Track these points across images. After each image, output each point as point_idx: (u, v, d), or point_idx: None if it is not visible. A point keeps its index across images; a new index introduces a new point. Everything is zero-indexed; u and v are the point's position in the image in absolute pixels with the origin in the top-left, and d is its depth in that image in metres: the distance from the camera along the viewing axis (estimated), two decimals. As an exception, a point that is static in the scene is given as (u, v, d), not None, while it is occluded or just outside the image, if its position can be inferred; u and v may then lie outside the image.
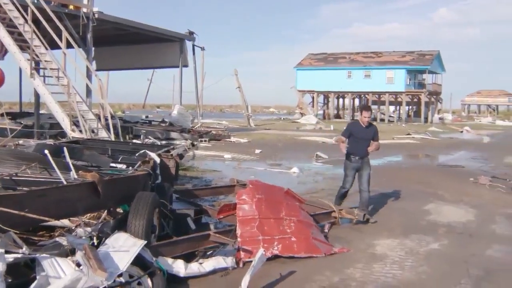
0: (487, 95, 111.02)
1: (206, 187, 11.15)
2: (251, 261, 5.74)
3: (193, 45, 33.52)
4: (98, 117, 19.15)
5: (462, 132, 45.26)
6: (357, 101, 75.66)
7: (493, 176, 15.16)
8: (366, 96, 70.00)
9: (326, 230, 8.44)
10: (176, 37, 31.44)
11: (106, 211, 6.85)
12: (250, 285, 5.37)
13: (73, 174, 6.13)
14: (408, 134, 37.72)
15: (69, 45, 19.31)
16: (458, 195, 12.50)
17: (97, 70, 30.62)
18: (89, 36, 23.09)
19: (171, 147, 10.22)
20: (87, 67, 21.50)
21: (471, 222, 9.70)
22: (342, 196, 9.80)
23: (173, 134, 26.41)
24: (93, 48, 25.15)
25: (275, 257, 6.87)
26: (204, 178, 14.03)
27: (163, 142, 22.05)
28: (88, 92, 22.24)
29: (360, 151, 9.44)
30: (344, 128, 10.04)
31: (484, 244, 8.06)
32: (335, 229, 8.70)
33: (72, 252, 5.08)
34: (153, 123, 32.11)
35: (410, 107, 72.38)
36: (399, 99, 68.57)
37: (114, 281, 4.81)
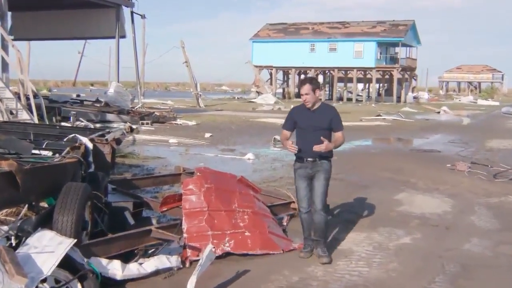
0: (468, 71, 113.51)
1: (148, 176, 11.03)
2: (199, 260, 5.73)
3: (132, 12, 33.15)
4: (17, 95, 18.72)
5: (439, 112, 46.31)
6: (321, 77, 76.44)
7: (473, 162, 15.56)
8: (331, 72, 70.77)
9: (284, 223, 8.50)
10: (111, 1, 30.88)
11: (27, 205, 6.70)
12: (197, 287, 5.37)
13: (-15, 162, 5.97)
14: (378, 115, 38.34)
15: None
16: (433, 183, 12.78)
17: (15, 39, 29.83)
18: (3, -3, 22.34)
19: (107, 130, 10.11)
20: (1, 35, 20.89)
21: (447, 213, 9.93)
22: (306, 223, 7.24)
23: (110, 116, 26.16)
24: (9, 13, 24.42)
25: (226, 254, 6.89)
26: (145, 166, 13.92)
27: (98, 125, 21.83)
28: (4, 66, 21.60)
29: (308, 149, 6.89)
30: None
31: (461, 238, 8.26)
32: (295, 221, 8.74)
33: (-16, 255, 4.96)
34: (85, 103, 31.65)
35: (381, 84, 73.52)
36: (369, 76, 69.54)
37: (37, 287, 4.72)
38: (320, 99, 7.29)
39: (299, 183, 7.12)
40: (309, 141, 6.86)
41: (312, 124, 6.98)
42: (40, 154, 7.60)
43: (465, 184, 12.71)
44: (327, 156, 7.05)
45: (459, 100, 79.36)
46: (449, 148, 20.43)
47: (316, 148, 6.76)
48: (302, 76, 76.11)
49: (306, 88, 6.95)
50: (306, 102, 6.99)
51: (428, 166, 15.31)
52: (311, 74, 71.94)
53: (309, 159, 6.99)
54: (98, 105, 30.02)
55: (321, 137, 6.79)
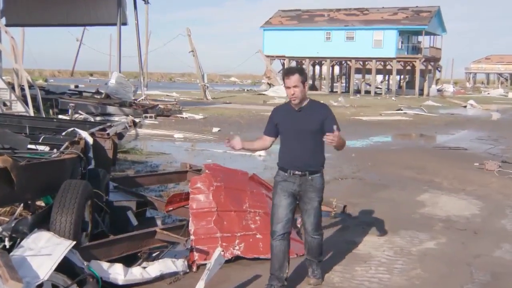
0: (498, 61, 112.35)
1: (152, 174, 11.11)
2: (206, 264, 5.72)
3: (134, -3, 33.06)
4: (11, 86, 18.75)
5: (465, 107, 46.24)
6: (337, 69, 76.29)
7: (504, 160, 15.48)
8: (348, 62, 70.57)
9: (298, 225, 8.46)
10: (112, -15, 30.90)
11: (22, 204, 6.71)
12: (205, 294, 5.36)
13: (-22, 158, 5.97)
14: (399, 109, 38.20)
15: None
16: (460, 183, 12.72)
17: (8, 25, 29.78)
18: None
19: (108, 124, 10.11)
20: (-6, 21, 20.95)
21: (476, 216, 9.86)
22: (276, 254, 6.10)
23: (111, 109, 26.21)
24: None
25: (236, 258, 6.89)
26: (149, 162, 13.97)
27: (98, 118, 21.88)
28: (-4, 54, 21.70)
29: (295, 159, 6.01)
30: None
31: (491, 243, 8.20)
32: (310, 224, 8.75)
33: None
34: (84, 94, 31.76)
35: (402, 76, 73.28)
36: (389, 67, 69.32)
37: (33, 292, 4.72)
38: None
39: (279, 199, 6.04)
40: (293, 148, 6.00)
41: (297, 127, 5.98)
42: (37, 149, 7.60)
43: (495, 185, 12.64)
44: (317, 168, 6.08)
45: (488, 93, 78.93)
46: (476, 145, 20.33)
47: (329, 140, 5.60)
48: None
49: (295, 79, 5.87)
50: (293, 97, 5.90)
51: (454, 165, 15.24)
52: (326, 65, 71.86)
53: (296, 172, 5.99)
54: (98, 96, 30.11)
55: (326, 134, 5.69)
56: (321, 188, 6.12)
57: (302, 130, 5.96)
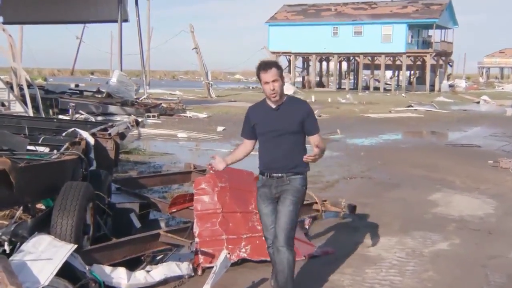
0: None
1: (155, 175, 11.12)
2: (212, 267, 5.72)
3: (136, -7, 33.09)
4: (9, 85, 18.77)
5: (478, 102, 46.10)
6: (344, 65, 76.13)
7: (519, 158, 15.42)
8: (356, 58, 70.51)
9: (306, 227, 8.47)
10: (112, -19, 30.92)
11: (21, 207, 6.72)
12: (211, 298, 5.36)
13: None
14: (410, 106, 38.13)
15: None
16: (473, 182, 12.68)
17: (6, 23, 29.81)
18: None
19: (109, 124, 10.12)
20: (-10, 19, 21.00)
21: (490, 215, 9.82)
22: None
23: (112, 108, 26.22)
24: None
25: (242, 261, 6.87)
26: (152, 163, 14.00)
27: (99, 118, 21.91)
28: (-6, 52, 21.71)
29: (273, 161, 5.68)
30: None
31: (507, 244, 8.17)
32: (318, 225, 8.76)
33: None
34: (85, 93, 31.78)
35: (412, 72, 73.08)
36: (398, 62, 69.17)
37: (33, 298, 4.72)
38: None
39: (261, 207, 5.76)
40: (272, 150, 5.66)
41: (276, 127, 5.61)
42: (36, 151, 7.62)
43: (510, 183, 12.61)
44: (299, 170, 5.67)
45: (502, 89, 78.52)
46: (490, 142, 20.26)
47: (307, 158, 5.44)
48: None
49: (273, 72, 5.51)
50: (274, 93, 5.53)
51: (467, 163, 15.20)
52: (334, 61, 71.69)
53: (273, 174, 5.66)
54: (99, 96, 30.13)
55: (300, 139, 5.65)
56: (300, 189, 5.67)
57: (281, 131, 5.61)
